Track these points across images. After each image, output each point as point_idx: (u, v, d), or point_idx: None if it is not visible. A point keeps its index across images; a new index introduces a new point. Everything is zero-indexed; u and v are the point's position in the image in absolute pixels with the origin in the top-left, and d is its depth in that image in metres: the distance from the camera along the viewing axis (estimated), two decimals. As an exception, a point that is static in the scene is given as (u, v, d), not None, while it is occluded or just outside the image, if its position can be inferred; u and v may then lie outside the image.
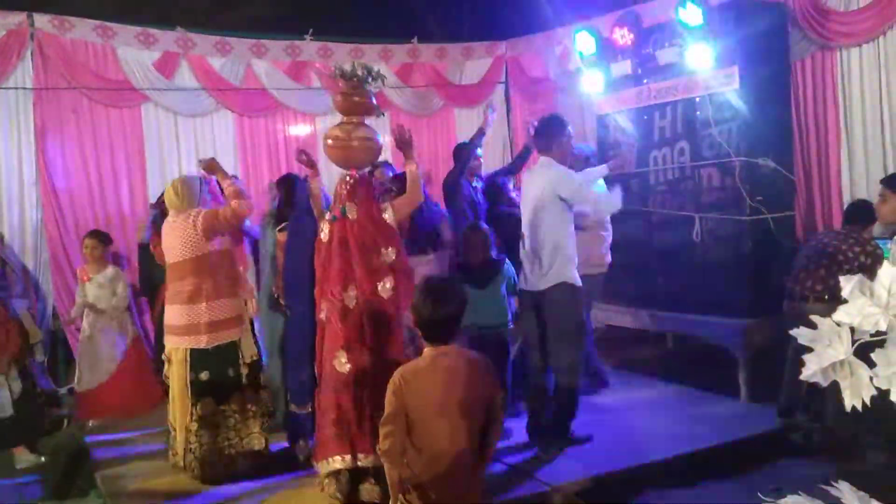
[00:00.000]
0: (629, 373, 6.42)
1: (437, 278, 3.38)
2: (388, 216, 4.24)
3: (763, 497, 1.43)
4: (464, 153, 6.15)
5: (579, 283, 4.80)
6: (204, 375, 4.55)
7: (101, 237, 6.30)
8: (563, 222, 4.77)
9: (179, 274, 4.60)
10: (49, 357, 6.71)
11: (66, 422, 6.25)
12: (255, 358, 4.80)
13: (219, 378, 4.59)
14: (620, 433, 5.14)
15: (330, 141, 4.24)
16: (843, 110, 5.80)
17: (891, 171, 5.43)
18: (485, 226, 5.48)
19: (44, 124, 6.89)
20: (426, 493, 2.80)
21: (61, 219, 6.91)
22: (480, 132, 6.27)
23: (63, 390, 6.73)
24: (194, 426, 4.53)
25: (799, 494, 1.40)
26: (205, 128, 7.67)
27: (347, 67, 4.25)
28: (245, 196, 4.70)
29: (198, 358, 4.56)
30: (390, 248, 4.18)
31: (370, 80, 4.24)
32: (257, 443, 4.72)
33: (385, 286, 4.13)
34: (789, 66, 6.01)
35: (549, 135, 4.91)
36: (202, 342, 4.55)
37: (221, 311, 4.59)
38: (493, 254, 5.36)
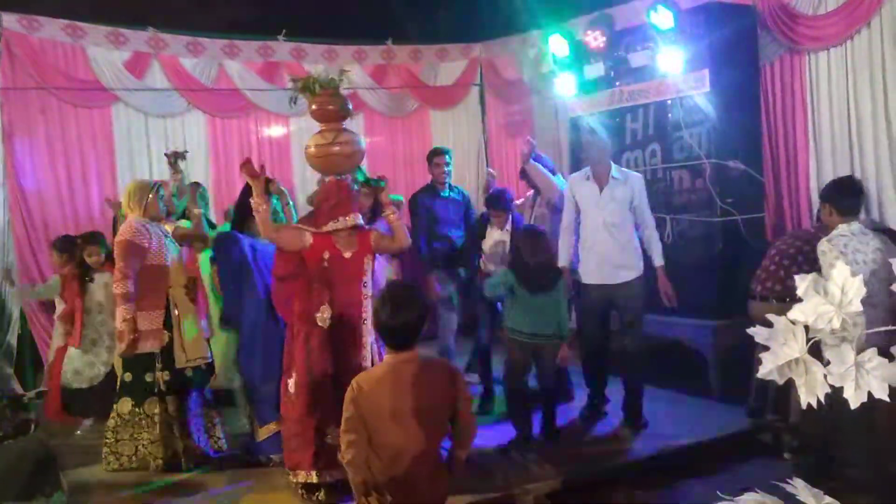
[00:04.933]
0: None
1: (399, 284, 3.38)
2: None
3: (722, 496, 1.44)
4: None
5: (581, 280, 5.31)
6: (127, 377, 4.83)
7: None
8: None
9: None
10: (16, 361, 6.61)
11: (33, 426, 6.14)
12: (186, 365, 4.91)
13: (137, 382, 4.80)
14: (591, 433, 5.16)
15: (311, 149, 4.21)
16: (812, 113, 5.87)
17: (858, 172, 5.51)
18: (540, 227, 5.40)
19: (11, 124, 6.80)
20: (387, 496, 2.78)
21: (29, 220, 6.82)
22: None
23: (31, 394, 6.62)
24: (112, 423, 4.79)
25: (756, 492, 1.40)
26: (176, 129, 7.62)
27: (300, 84, 4.23)
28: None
29: (121, 362, 4.89)
30: None
31: (320, 87, 4.20)
32: (175, 445, 4.82)
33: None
34: (759, 69, 6.06)
35: None
36: (120, 349, 4.79)
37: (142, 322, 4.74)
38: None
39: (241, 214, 4.90)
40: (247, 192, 5.34)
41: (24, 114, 6.87)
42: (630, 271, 5.12)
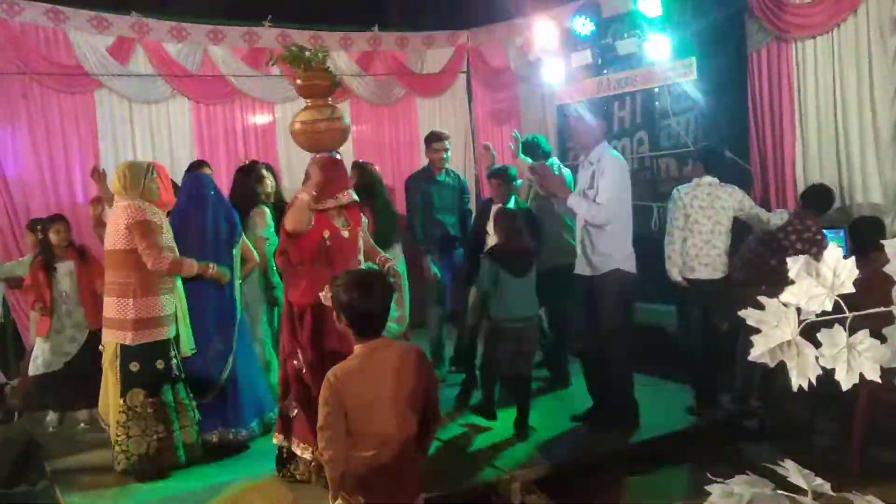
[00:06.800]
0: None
1: (361, 271, 3.34)
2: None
3: (713, 478, 1.43)
4: None
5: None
6: (133, 367, 4.47)
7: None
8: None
9: (111, 264, 4.55)
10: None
11: (16, 414, 6.11)
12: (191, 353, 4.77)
13: (147, 371, 4.49)
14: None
15: (297, 126, 4.19)
16: (798, 101, 5.87)
17: (843, 159, 5.54)
18: (519, 210, 5.28)
19: (-7, 110, 6.70)
20: (366, 486, 2.73)
21: (12, 207, 6.72)
22: None
23: (13, 383, 6.55)
24: (122, 418, 4.45)
25: (747, 474, 1.40)
26: (160, 115, 7.51)
27: (293, 52, 4.20)
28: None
29: (126, 352, 4.49)
30: None
31: (314, 60, 4.17)
32: (188, 436, 4.64)
33: None
34: (746, 56, 6.07)
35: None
36: (128, 339, 4.47)
37: (149, 309, 4.49)
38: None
39: (239, 204, 4.95)
40: (240, 179, 5.35)
41: (6, 99, 6.75)
42: (598, 264, 4.86)
